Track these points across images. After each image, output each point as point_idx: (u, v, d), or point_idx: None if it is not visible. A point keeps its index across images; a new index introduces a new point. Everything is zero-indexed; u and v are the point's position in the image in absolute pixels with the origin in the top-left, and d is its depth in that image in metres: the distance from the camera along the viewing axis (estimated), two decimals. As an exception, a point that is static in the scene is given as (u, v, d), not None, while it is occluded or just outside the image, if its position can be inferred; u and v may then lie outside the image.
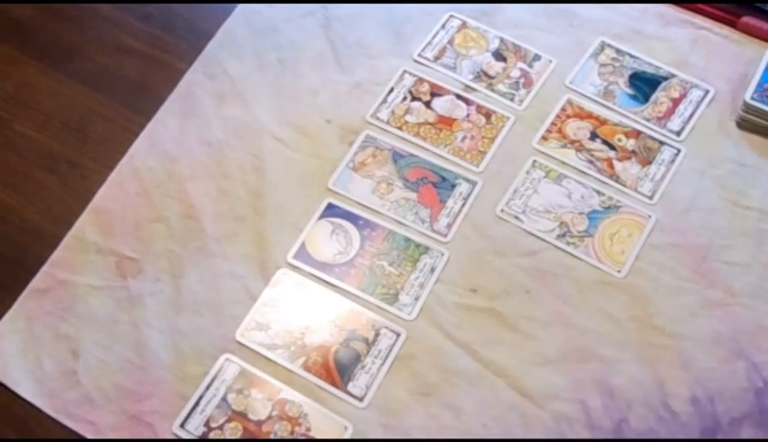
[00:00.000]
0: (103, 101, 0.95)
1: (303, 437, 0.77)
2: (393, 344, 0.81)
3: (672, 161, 0.90)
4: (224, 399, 0.79)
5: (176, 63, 0.98)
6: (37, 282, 0.85)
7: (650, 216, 0.87)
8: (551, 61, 0.97)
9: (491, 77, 0.96)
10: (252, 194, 0.89)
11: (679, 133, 0.92)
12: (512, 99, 0.94)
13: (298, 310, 0.83)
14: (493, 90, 0.95)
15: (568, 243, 0.86)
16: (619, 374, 0.80)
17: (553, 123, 0.93)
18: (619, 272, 0.84)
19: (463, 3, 1.01)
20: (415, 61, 0.97)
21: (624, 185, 0.89)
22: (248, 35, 0.99)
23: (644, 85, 0.95)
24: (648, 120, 0.93)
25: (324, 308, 0.83)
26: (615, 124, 0.93)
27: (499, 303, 0.83)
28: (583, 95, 0.95)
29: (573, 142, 0.92)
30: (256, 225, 0.87)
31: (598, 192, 0.89)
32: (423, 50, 0.98)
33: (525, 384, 0.79)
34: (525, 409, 0.78)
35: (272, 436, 0.77)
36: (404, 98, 0.95)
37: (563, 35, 0.99)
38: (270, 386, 0.80)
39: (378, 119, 0.93)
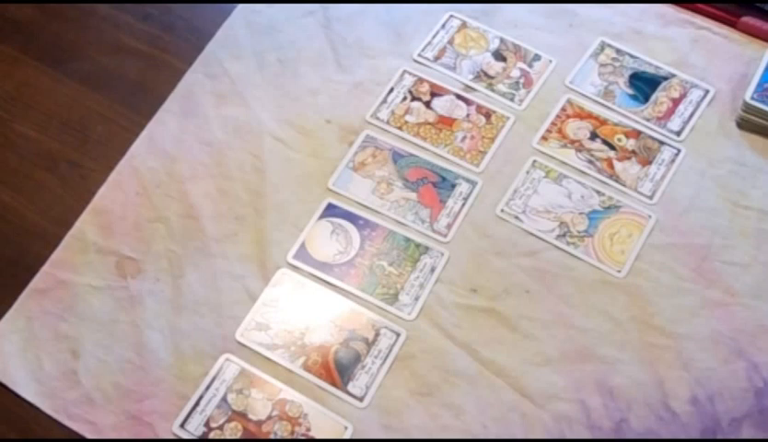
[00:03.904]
0: (103, 101, 0.95)
1: (303, 437, 0.77)
2: (393, 344, 0.81)
3: (672, 161, 0.90)
4: (224, 399, 0.79)
5: (176, 63, 0.98)
6: (37, 282, 0.85)
7: (650, 216, 0.87)
8: (551, 61, 0.97)
9: (491, 77, 0.96)
10: (252, 194, 0.89)
11: (679, 133, 0.92)
12: (512, 99, 0.94)
13: (298, 310, 0.83)
14: (493, 90, 0.95)
15: (568, 243, 0.86)
16: (619, 374, 0.80)
17: (553, 123, 0.93)
18: (619, 272, 0.84)
19: (463, 3, 1.01)
20: (415, 61, 0.97)
21: (624, 185, 0.89)
22: (248, 35, 0.99)
23: (644, 85, 0.95)
24: (648, 120, 0.93)
25: (324, 308, 0.83)
26: (615, 124, 0.93)
27: (499, 303, 0.83)
28: (583, 95, 0.95)
29: (573, 142, 0.92)
30: (256, 225, 0.87)
31: (598, 192, 0.89)
32: (423, 50, 0.98)
33: (525, 384, 0.79)
34: (525, 409, 0.78)
35: (272, 436, 0.77)
36: (404, 98, 0.95)
37: (563, 35, 0.99)
38: (270, 386, 0.80)
39: (377, 119, 0.93)
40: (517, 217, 0.88)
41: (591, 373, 0.80)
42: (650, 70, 0.96)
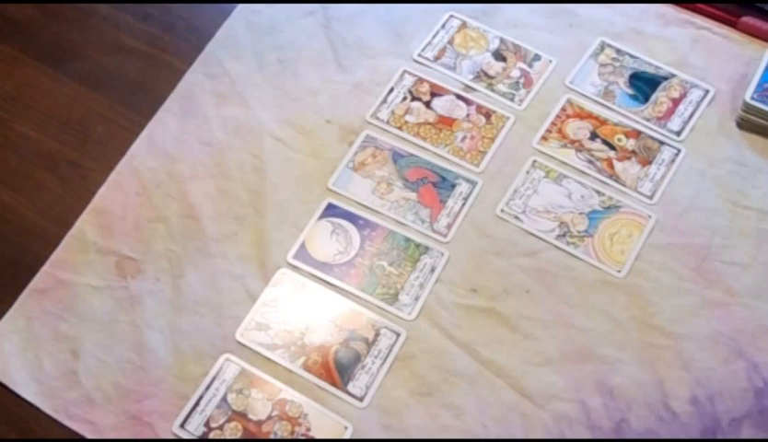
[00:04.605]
0: (103, 101, 0.95)
1: (303, 437, 0.77)
2: (393, 344, 0.81)
3: (672, 161, 0.91)
4: (224, 399, 0.79)
5: (176, 63, 0.98)
6: (37, 282, 0.85)
7: (650, 216, 0.87)
8: (551, 61, 0.97)
9: (491, 77, 0.96)
10: (252, 194, 0.89)
11: (679, 133, 0.92)
12: (512, 99, 0.94)
13: (298, 310, 0.83)
14: (493, 90, 0.95)
15: (568, 243, 0.86)
16: (619, 374, 0.80)
17: (553, 123, 0.93)
18: (619, 272, 0.84)
19: (463, 3, 1.01)
20: (415, 61, 0.97)
21: (624, 185, 0.89)
22: (248, 35, 0.99)
23: (644, 85, 0.95)
24: (648, 120, 0.93)
25: (324, 308, 0.83)
26: (615, 124, 0.93)
27: (499, 303, 0.83)
28: (583, 95, 0.95)
29: (573, 142, 0.92)
30: (256, 225, 0.87)
31: (598, 192, 0.89)
32: (423, 50, 0.98)
33: (525, 384, 0.79)
34: (525, 409, 0.78)
35: (272, 436, 0.77)
36: (404, 98, 0.95)
37: (563, 35, 0.99)
38: (270, 386, 0.80)
39: (377, 119, 0.93)
40: (517, 217, 0.88)
41: (591, 373, 0.80)
42: (650, 70, 0.96)
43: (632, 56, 0.97)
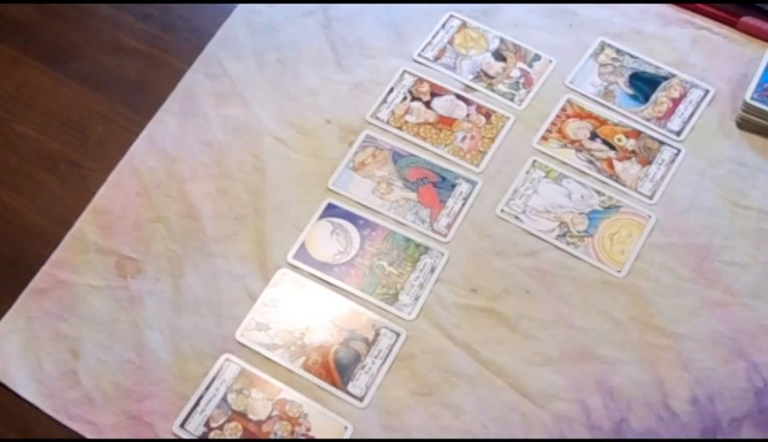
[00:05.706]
0: (103, 101, 0.95)
1: (303, 437, 0.77)
2: (393, 344, 0.81)
3: (672, 161, 0.91)
4: (224, 399, 0.79)
5: (176, 63, 0.98)
6: (37, 282, 0.85)
7: (650, 216, 0.87)
8: (551, 61, 0.97)
9: (491, 77, 0.96)
10: (252, 194, 0.89)
11: (679, 133, 0.92)
12: (512, 99, 0.95)
13: (298, 310, 0.83)
14: (493, 90, 0.95)
15: (568, 243, 0.86)
16: (619, 374, 0.80)
17: (553, 123, 0.93)
18: (619, 272, 0.84)
19: (463, 3, 1.01)
20: (415, 61, 0.97)
21: (624, 185, 0.89)
22: (248, 35, 0.99)
23: (644, 85, 0.95)
24: (648, 120, 0.93)
25: (324, 308, 0.83)
26: (615, 124, 0.93)
27: (499, 303, 0.83)
28: (583, 95, 0.95)
29: (573, 142, 0.92)
30: (256, 225, 0.87)
31: (598, 192, 0.89)
32: (423, 50, 0.98)
33: (525, 384, 0.79)
34: (525, 409, 0.78)
35: (272, 436, 0.77)
36: (404, 98, 0.95)
37: (563, 35, 0.99)
38: (270, 386, 0.80)
39: (377, 119, 0.93)
40: (517, 217, 0.88)
41: (591, 373, 0.80)
42: (650, 70, 0.96)
43: (632, 56, 0.97)
